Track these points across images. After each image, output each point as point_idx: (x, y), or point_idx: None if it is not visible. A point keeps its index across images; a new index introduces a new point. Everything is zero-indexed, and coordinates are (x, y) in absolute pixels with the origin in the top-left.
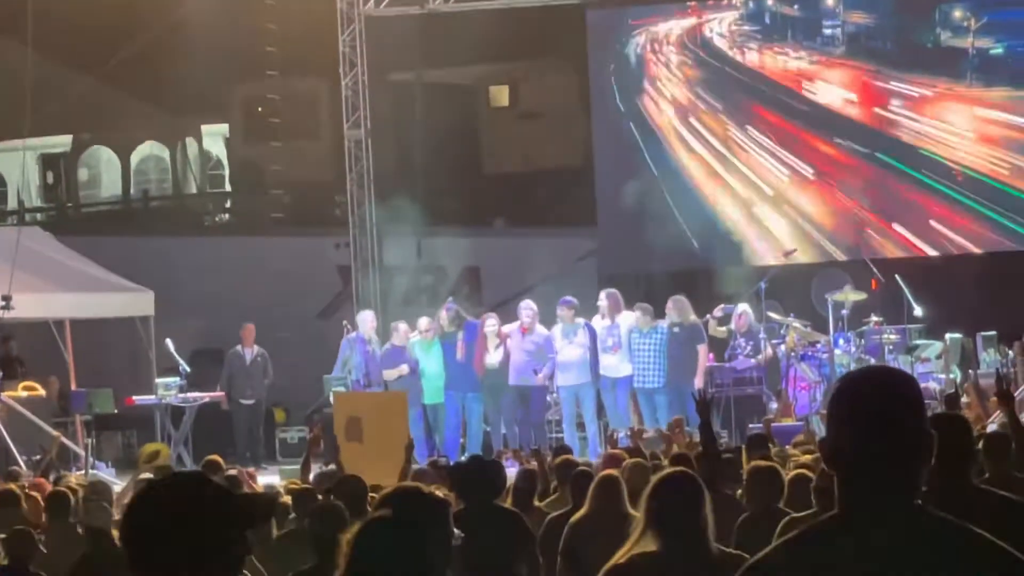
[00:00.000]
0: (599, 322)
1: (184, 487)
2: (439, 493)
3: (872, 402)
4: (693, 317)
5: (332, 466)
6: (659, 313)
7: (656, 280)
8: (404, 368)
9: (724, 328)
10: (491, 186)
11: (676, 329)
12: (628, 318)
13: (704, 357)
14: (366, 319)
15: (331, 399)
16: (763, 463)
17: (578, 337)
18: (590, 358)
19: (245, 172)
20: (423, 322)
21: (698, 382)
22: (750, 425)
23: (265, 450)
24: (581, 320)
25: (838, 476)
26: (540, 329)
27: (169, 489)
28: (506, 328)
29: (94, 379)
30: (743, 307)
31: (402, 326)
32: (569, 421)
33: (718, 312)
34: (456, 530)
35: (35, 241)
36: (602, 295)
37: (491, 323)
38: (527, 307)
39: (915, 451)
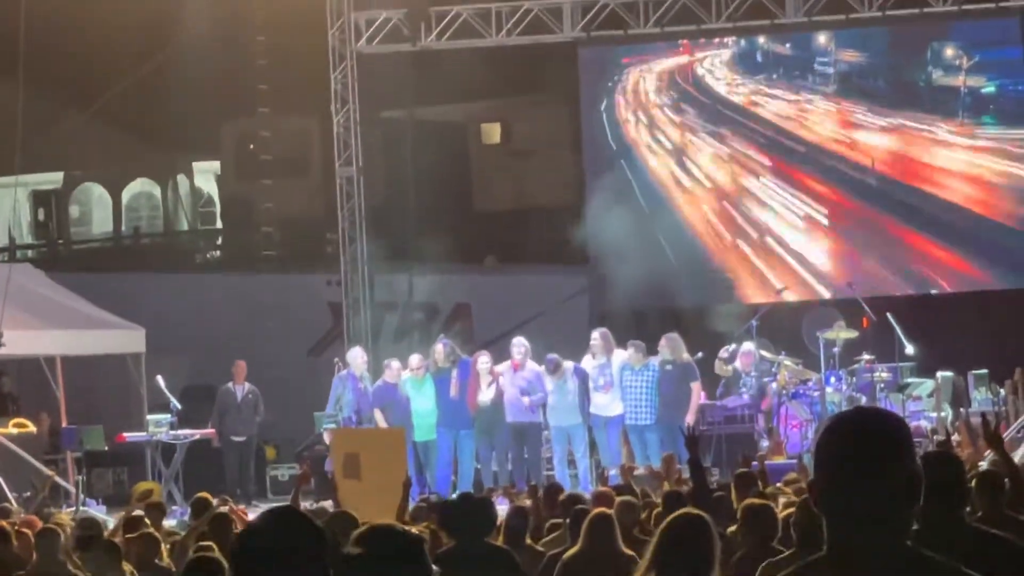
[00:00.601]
0: (590, 361)
1: (287, 521)
2: (415, 530)
3: (858, 444)
4: (686, 355)
5: (324, 503)
6: (651, 350)
7: (647, 318)
8: (381, 421)
9: (730, 367)
10: (483, 223)
11: (668, 367)
12: (620, 356)
13: (697, 395)
14: (356, 356)
15: (324, 437)
16: (757, 501)
17: (567, 385)
18: (579, 400)
19: (236, 209)
20: (415, 359)
21: (690, 419)
22: (753, 464)
23: (256, 487)
24: (570, 366)
25: (826, 517)
26: (531, 365)
27: (274, 521)
28: (498, 367)
29: (85, 416)
30: (748, 346)
31: (395, 363)
32: (560, 459)
33: (723, 353)
34: (435, 567)
35: (26, 278)
36: (595, 334)
37: (483, 360)
38: (519, 344)
39: (902, 492)
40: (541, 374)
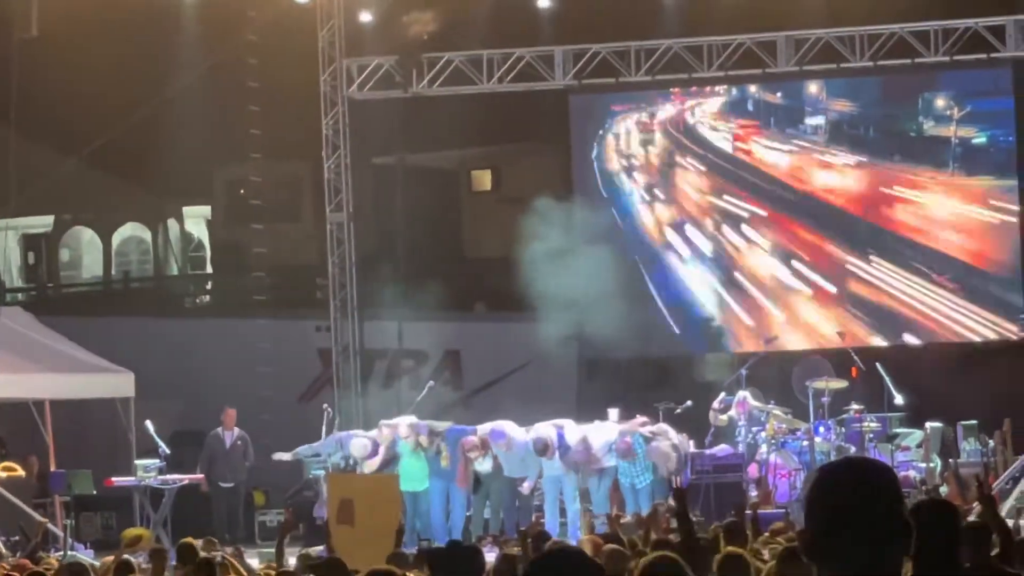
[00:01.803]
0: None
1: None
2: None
3: (848, 494)
4: (672, 457)
5: (312, 549)
6: (639, 400)
7: (636, 366)
8: (368, 445)
9: (726, 417)
10: (472, 270)
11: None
12: (607, 437)
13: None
14: (360, 446)
15: (315, 483)
16: (733, 550)
17: (554, 461)
18: (566, 459)
19: (227, 254)
20: (404, 428)
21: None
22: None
23: (245, 532)
24: (554, 437)
25: (816, 566)
26: (518, 439)
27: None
28: (484, 429)
29: (74, 460)
30: (743, 394)
31: (386, 430)
32: (551, 507)
33: (717, 404)
34: None
35: (16, 321)
36: (571, 455)
37: (473, 453)
38: (499, 437)
39: (892, 540)
40: (529, 445)
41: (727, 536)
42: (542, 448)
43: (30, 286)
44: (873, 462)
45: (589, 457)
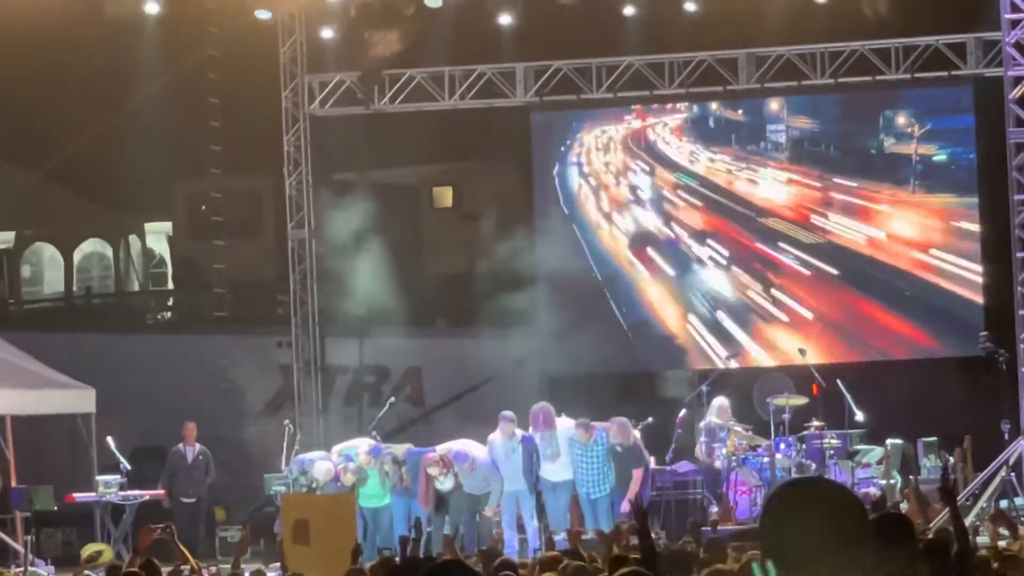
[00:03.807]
0: (535, 432)
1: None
2: None
3: (807, 509)
4: (635, 433)
5: (270, 567)
6: (602, 416)
7: (598, 382)
8: (331, 470)
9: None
10: (434, 286)
11: (619, 448)
12: (567, 425)
13: (637, 481)
14: (322, 470)
15: (276, 499)
16: (721, 567)
17: (516, 454)
18: (525, 467)
19: (188, 270)
20: (363, 455)
21: (625, 507)
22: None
23: (205, 549)
24: (519, 434)
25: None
26: (481, 457)
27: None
28: (444, 449)
29: (34, 476)
30: (720, 402)
31: (352, 465)
32: (509, 523)
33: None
34: None
35: None
36: (535, 412)
37: (432, 470)
38: (463, 459)
39: (852, 555)
40: (492, 464)
41: (707, 552)
42: (506, 420)
43: None
44: (828, 480)
45: (548, 419)
